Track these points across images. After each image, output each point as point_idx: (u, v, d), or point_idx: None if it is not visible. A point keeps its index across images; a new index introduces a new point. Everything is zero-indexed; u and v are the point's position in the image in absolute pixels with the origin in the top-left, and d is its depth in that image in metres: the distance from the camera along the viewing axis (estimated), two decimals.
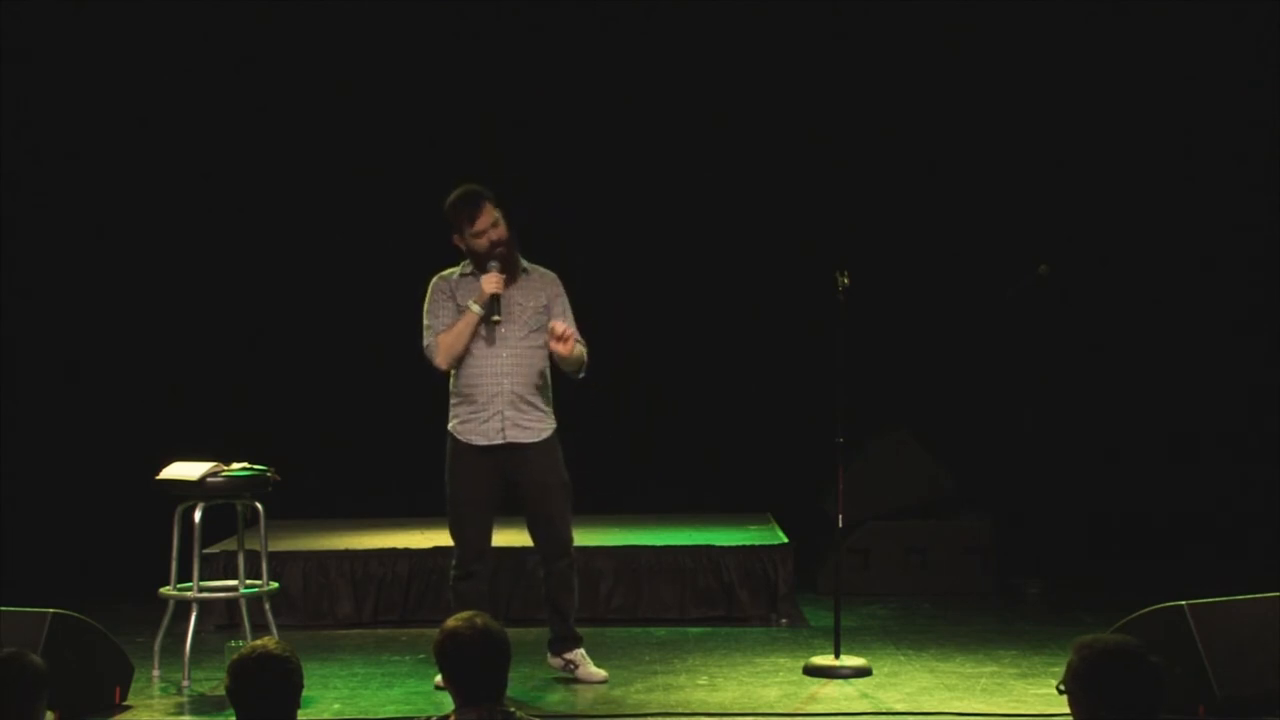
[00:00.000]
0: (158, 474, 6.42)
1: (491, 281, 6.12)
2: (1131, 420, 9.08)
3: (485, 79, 9.27)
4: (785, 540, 7.83)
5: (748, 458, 9.21)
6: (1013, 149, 9.14)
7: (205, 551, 6.71)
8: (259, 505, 6.46)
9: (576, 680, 6.35)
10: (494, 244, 6.14)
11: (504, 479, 6.26)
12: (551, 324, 6.14)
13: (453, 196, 6.21)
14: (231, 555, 6.97)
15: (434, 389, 9.14)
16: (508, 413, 6.17)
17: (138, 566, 7.46)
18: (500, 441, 6.18)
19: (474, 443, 6.20)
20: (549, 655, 6.47)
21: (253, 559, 6.74)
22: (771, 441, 9.14)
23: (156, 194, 9.18)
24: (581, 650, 6.42)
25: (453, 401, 6.27)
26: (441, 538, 7.87)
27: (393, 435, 9.20)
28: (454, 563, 6.33)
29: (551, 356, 6.23)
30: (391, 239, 9.28)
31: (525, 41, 9.28)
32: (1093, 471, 9.07)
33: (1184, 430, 9.01)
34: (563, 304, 6.32)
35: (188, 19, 9.09)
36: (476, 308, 6.13)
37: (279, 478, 6.50)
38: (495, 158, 9.13)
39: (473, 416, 6.19)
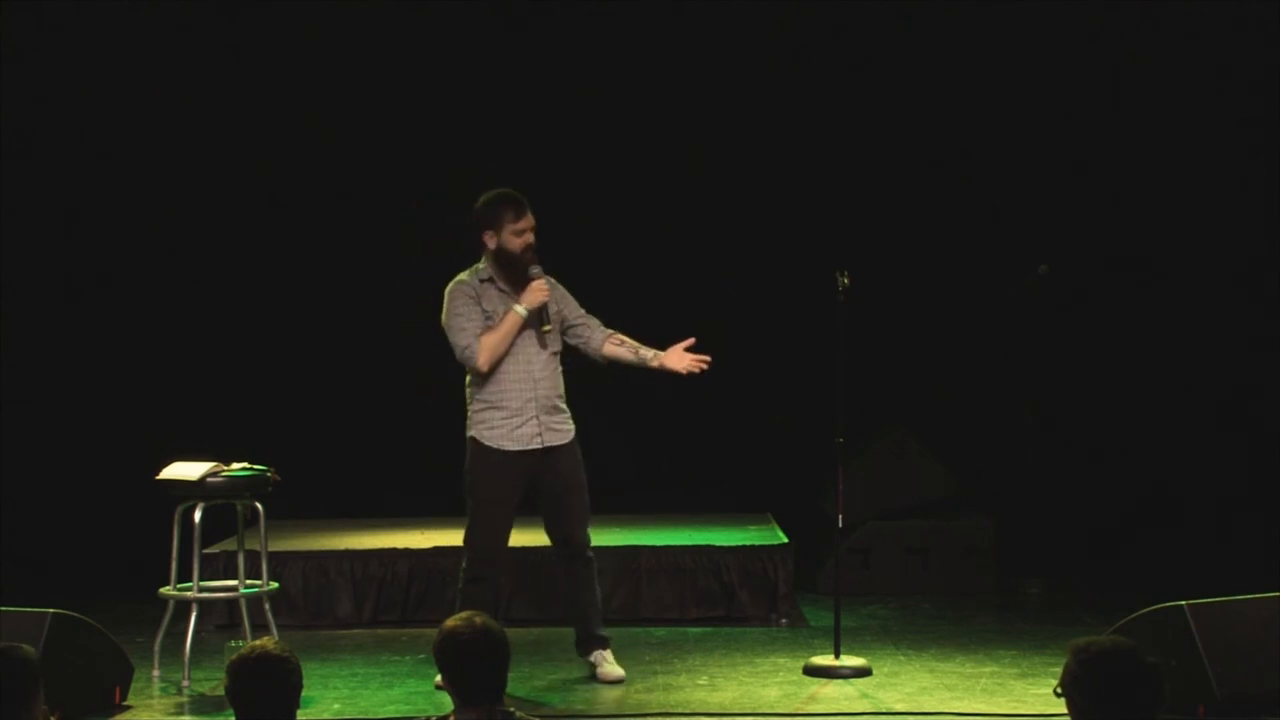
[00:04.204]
0: (158, 474, 6.42)
1: (543, 290, 6.15)
2: (1132, 420, 9.07)
3: (487, 80, 9.28)
4: (785, 540, 7.83)
5: (748, 458, 9.20)
6: (1013, 148, 9.14)
7: (205, 551, 6.71)
8: (259, 505, 6.46)
9: (595, 680, 6.34)
10: (527, 246, 6.17)
11: (528, 483, 6.25)
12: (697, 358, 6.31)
13: (493, 194, 6.23)
14: (231, 555, 6.97)
15: (434, 390, 9.19)
16: (542, 417, 6.19)
17: (138, 566, 7.46)
18: (537, 446, 6.18)
19: (505, 448, 6.18)
20: (579, 656, 6.48)
21: (253, 559, 6.74)
22: (771, 441, 9.13)
23: (158, 194, 9.18)
24: (602, 650, 6.40)
25: (476, 408, 6.23)
26: (441, 538, 7.91)
27: (392, 435, 9.21)
28: (464, 565, 6.28)
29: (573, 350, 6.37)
30: (391, 240, 9.29)
31: (529, 41, 9.28)
32: (1093, 472, 9.07)
33: (1184, 430, 9.01)
34: (569, 300, 6.37)
35: (196, 19, 9.11)
36: (523, 310, 6.14)
37: (279, 478, 6.50)
38: (494, 158, 9.15)
39: (504, 423, 6.17)
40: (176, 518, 6.42)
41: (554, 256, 6.53)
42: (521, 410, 6.16)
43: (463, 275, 6.27)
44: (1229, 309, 9.03)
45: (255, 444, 6.87)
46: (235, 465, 6.45)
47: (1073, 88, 9.13)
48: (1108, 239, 9.12)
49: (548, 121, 9.25)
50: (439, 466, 9.08)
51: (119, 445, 8.69)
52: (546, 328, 6.18)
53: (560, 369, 6.31)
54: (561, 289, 6.37)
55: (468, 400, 6.29)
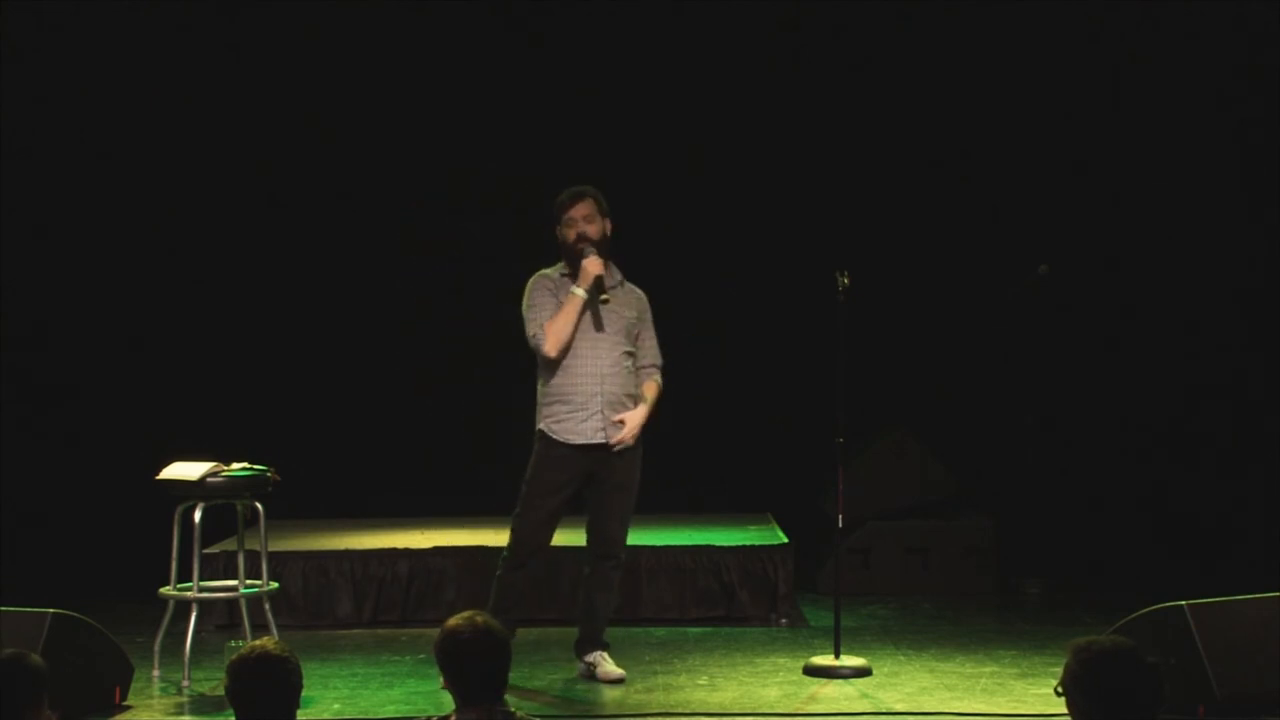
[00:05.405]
0: (158, 474, 6.42)
1: (594, 263, 6.21)
2: (1132, 420, 9.07)
3: (487, 80, 9.28)
4: (785, 540, 7.83)
5: (748, 458, 9.20)
6: (1013, 148, 9.14)
7: (205, 551, 6.70)
8: (259, 505, 6.46)
9: (595, 680, 6.33)
10: (580, 236, 6.25)
11: (585, 479, 6.28)
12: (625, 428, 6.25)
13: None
14: (231, 555, 6.97)
15: (434, 390, 9.20)
16: (607, 412, 6.23)
17: (138, 566, 7.46)
18: (600, 440, 6.21)
19: (571, 441, 6.22)
20: (575, 657, 6.48)
21: (253, 559, 6.74)
22: (771, 441, 9.13)
23: (157, 195, 9.18)
24: (602, 652, 6.41)
25: (545, 401, 6.28)
26: (441, 538, 7.91)
27: (392, 435, 9.21)
28: (506, 555, 6.30)
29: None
30: (391, 240, 9.29)
31: (530, 41, 9.28)
32: (1093, 471, 9.07)
33: (1184, 429, 9.01)
34: (647, 321, 6.44)
35: (196, 19, 9.11)
36: (581, 291, 6.21)
37: (279, 478, 6.50)
38: (494, 158, 9.15)
39: (570, 416, 6.22)
40: (176, 518, 6.41)
41: (553, 256, 6.53)
42: (587, 404, 6.21)
43: (546, 269, 6.39)
44: (1229, 309, 9.03)
45: (255, 444, 6.87)
46: (235, 465, 6.44)
47: (1073, 88, 9.14)
48: (1108, 239, 9.12)
49: (547, 121, 9.24)
50: (436, 467, 9.13)
51: (119, 445, 8.69)
52: (604, 297, 6.23)
53: (630, 367, 6.34)
54: (647, 311, 6.44)
55: (538, 395, 6.33)
